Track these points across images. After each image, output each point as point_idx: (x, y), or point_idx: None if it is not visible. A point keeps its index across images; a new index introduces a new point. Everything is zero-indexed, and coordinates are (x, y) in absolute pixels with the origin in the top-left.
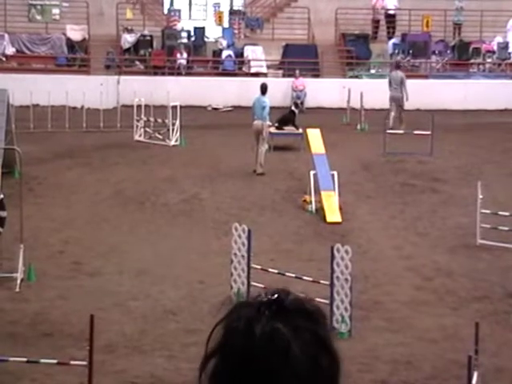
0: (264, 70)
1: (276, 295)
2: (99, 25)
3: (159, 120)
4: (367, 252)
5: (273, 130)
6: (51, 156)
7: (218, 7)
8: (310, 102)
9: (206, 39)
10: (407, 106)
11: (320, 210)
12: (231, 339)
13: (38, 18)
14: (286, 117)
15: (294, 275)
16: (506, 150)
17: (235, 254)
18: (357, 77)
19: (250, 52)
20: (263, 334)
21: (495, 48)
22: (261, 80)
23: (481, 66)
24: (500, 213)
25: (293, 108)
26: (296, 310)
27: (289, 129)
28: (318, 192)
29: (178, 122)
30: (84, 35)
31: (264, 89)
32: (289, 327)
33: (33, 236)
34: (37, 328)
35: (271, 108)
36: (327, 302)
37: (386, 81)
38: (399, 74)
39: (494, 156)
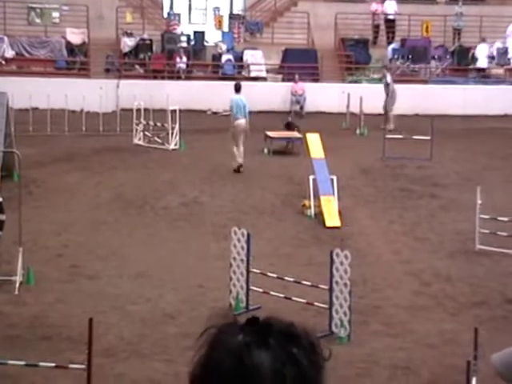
0: (263, 74)
1: (253, 317)
2: (99, 28)
3: (159, 124)
4: (366, 256)
5: (272, 133)
6: (50, 159)
7: (218, 11)
8: (310, 106)
9: (205, 43)
10: (407, 110)
11: (319, 215)
12: (212, 355)
13: (38, 21)
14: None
15: (293, 279)
16: (506, 155)
17: (234, 258)
18: (356, 81)
19: (249, 56)
20: (233, 350)
21: (495, 53)
22: (260, 84)
23: (480, 72)
24: (499, 218)
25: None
26: (276, 331)
27: (289, 133)
28: (317, 196)
29: (177, 126)
30: (84, 39)
31: (239, 87)
32: (263, 346)
33: (32, 239)
34: (35, 331)
35: (271, 112)
36: (326, 306)
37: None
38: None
39: (493, 161)
